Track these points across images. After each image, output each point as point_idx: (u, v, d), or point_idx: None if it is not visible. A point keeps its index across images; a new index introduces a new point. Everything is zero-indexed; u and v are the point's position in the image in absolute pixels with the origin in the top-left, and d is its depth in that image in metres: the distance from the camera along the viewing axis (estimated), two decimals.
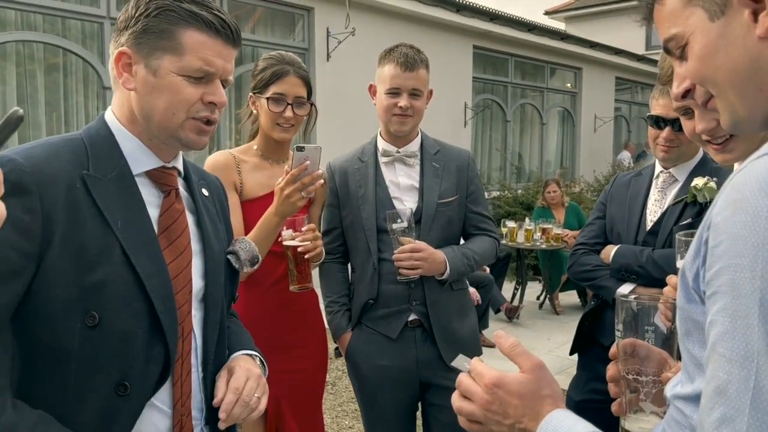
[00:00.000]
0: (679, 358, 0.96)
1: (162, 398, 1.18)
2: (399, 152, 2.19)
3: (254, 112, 2.08)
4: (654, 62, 14.42)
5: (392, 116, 2.11)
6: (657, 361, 0.96)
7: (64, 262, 1.04)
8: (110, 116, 1.21)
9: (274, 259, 1.97)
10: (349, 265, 2.30)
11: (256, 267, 1.44)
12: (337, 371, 4.75)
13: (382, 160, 2.20)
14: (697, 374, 0.77)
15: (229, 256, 1.37)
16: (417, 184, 2.17)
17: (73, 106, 6.21)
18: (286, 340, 2.06)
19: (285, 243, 1.89)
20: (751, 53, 0.78)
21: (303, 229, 1.88)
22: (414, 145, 2.20)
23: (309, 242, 1.88)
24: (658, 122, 2.06)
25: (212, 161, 2.04)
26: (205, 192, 1.35)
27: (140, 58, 1.15)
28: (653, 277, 2.01)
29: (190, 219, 1.27)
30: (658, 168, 2.18)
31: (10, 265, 0.99)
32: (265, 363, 1.40)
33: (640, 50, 15.88)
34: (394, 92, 2.09)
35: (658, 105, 2.06)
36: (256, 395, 1.25)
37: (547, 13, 19.30)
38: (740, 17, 0.78)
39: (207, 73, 1.16)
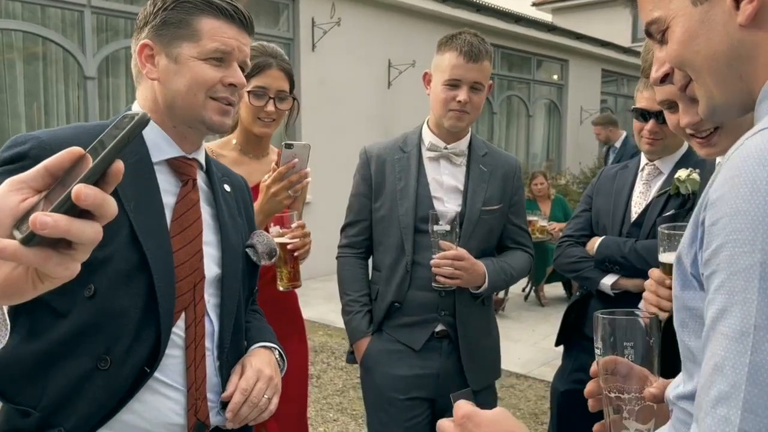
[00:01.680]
0: (659, 373, 0.96)
1: (176, 379, 1.22)
2: (447, 149, 2.01)
3: None
4: (639, 54, 14.42)
5: (448, 110, 1.93)
6: (638, 378, 0.95)
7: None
8: (135, 107, 1.28)
9: None
10: (369, 262, 2.15)
11: (274, 260, 1.46)
12: (322, 364, 4.74)
13: (426, 154, 2.03)
14: (695, 371, 0.76)
15: (247, 250, 1.41)
16: (461, 186, 2.01)
17: (54, 96, 6.11)
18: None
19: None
20: (731, 40, 0.78)
21: (292, 225, 1.81)
22: (463, 144, 2.03)
23: (298, 239, 1.80)
24: (643, 115, 2.06)
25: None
26: (227, 188, 1.39)
27: (161, 48, 1.23)
28: (636, 268, 2.02)
29: (207, 211, 1.32)
30: (643, 161, 2.18)
31: None
32: (284, 356, 1.44)
33: (627, 42, 15.92)
34: (453, 84, 1.91)
35: (643, 97, 2.06)
36: (266, 396, 1.29)
37: (534, 4, 19.27)
38: (722, 4, 0.78)
39: (224, 54, 1.23)
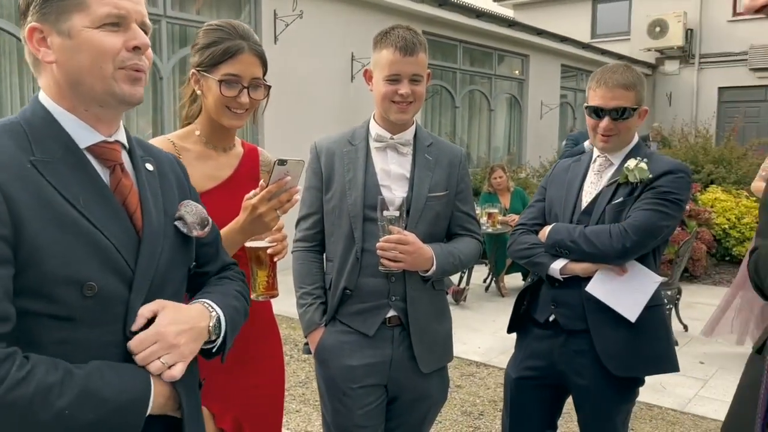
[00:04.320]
0: None
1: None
2: (393, 139, 2.06)
3: (198, 92, 1.79)
4: (598, 50, 14.83)
5: (391, 103, 1.98)
6: None
7: (48, 234, 1.05)
8: (43, 97, 1.18)
9: None
10: (324, 255, 2.15)
11: (207, 229, 1.34)
12: (285, 356, 4.75)
13: (374, 145, 2.07)
14: None
15: (176, 223, 1.30)
16: (408, 174, 2.05)
17: (8, 88, 5.96)
18: (244, 353, 1.79)
19: (249, 244, 1.68)
20: None
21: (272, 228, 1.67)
22: (409, 134, 2.09)
23: (278, 243, 1.69)
24: (597, 112, 2.13)
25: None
26: (149, 167, 1.29)
27: (50, 27, 1.13)
28: (584, 252, 2.09)
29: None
30: (596, 153, 2.26)
31: None
32: (222, 325, 1.28)
33: (586, 38, 16.24)
34: (393, 79, 1.96)
35: (596, 96, 2.14)
36: (162, 360, 1.15)
37: (496, 0, 19.48)
38: None
39: (119, 17, 1.14)
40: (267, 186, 1.54)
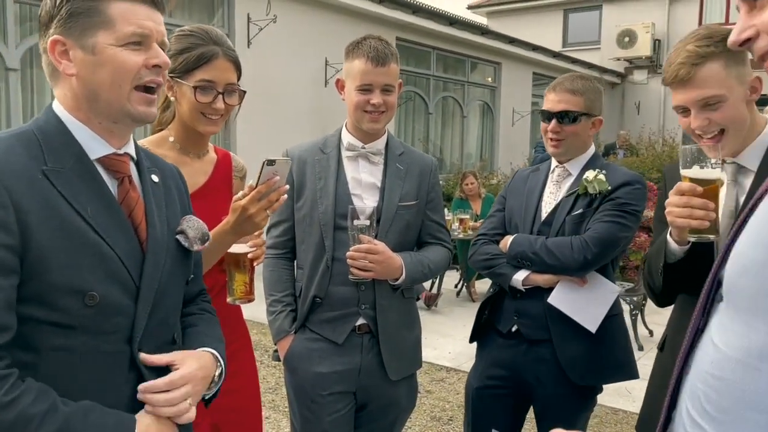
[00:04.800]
0: None
1: None
2: (365, 148, 2.08)
3: (171, 99, 1.79)
4: (569, 59, 15.06)
5: (364, 113, 2.01)
6: None
7: (55, 244, 1.07)
8: (58, 107, 1.21)
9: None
10: (294, 263, 2.16)
11: (207, 244, 1.37)
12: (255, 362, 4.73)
13: (345, 154, 2.09)
14: None
15: (177, 236, 1.33)
16: (379, 183, 2.07)
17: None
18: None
19: (230, 249, 1.69)
20: None
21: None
22: (380, 143, 2.10)
23: (258, 248, 1.70)
24: (547, 116, 2.19)
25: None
26: (154, 178, 1.33)
27: (74, 41, 1.16)
28: (546, 263, 2.12)
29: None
30: (554, 163, 2.30)
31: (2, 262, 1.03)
32: (222, 363, 1.35)
33: (557, 47, 16.48)
34: (365, 89, 1.98)
35: (548, 100, 2.20)
36: (188, 402, 1.22)
37: (470, 7, 19.66)
38: None
39: (142, 36, 1.18)
40: (256, 186, 1.56)
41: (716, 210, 1.52)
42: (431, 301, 6.48)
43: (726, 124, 1.60)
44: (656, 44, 16.39)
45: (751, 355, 0.86)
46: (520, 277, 2.17)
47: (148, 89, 1.21)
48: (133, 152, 1.29)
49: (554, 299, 2.14)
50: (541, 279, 2.16)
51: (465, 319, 6.18)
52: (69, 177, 1.14)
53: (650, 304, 6.22)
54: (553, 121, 2.16)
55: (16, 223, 1.04)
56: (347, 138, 2.10)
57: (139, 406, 1.18)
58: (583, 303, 2.13)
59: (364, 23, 9.06)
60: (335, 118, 8.27)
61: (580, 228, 2.14)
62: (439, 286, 6.74)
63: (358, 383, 2.06)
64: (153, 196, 1.30)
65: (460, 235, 6.53)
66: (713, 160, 1.52)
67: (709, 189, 1.51)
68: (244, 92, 1.84)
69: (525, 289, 2.18)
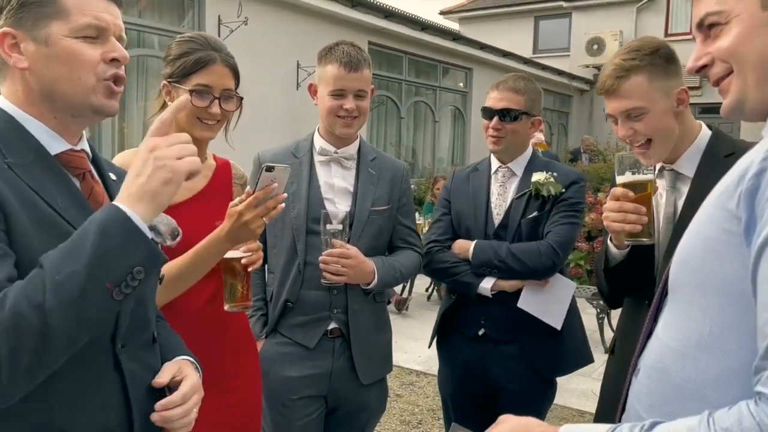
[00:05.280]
0: None
1: None
2: (337, 153, 2.09)
3: (169, 104, 1.74)
4: (539, 65, 15.25)
5: (336, 118, 2.02)
6: None
7: (36, 235, 1.03)
8: (4, 102, 1.14)
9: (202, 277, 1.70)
10: (266, 267, 2.15)
11: (177, 240, 1.35)
12: None
13: (318, 158, 2.09)
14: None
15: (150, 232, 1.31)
16: (351, 188, 2.08)
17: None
18: (220, 371, 1.75)
19: (225, 256, 1.67)
20: None
21: None
22: (352, 148, 2.12)
23: (252, 253, 1.67)
24: (488, 113, 2.24)
25: (121, 162, 1.65)
26: (112, 176, 1.29)
27: (25, 33, 1.10)
28: (514, 270, 2.16)
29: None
30: (496, 163, 2.34)
31: None
32: (200, 369, 1.35)
33: (528, 53, 16.69)
34: (338, 94, 2.00)
35: (491, 98, 2.26)
36: (195, 411, 1.23)
37: (442, 12, 19.81)
38: None
39: (99, 29, 1.13)
40: (254, 193, 1.54)
41: (650, 214, 1.60)
42: (402, 305, 6.50)
43: (650, 134, 1.67)
44: None
45: (690, 344, 0.91)
46: (487, 285, 2.21)
47: (115, 81, 1.17)
48: (88, 149, 1.24)
49: (523, 304, 2.19)
50: (507, 285, 2.20)
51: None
52: (33, 171, 1.08)
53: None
54: (495, 119, 2.21)
55: (1, 211, 0.99)
56: (320, 142, 2.11)
57: (126, 406, 1.15)
58: (547, 303, 2.21)
59: (336, 27, 9.06)
60: (307, 121, 8.23)
61: (537, 230, 2.20)
62: (409, 290, 6.76)
63: (330, 387, 2.06)
64: (115, 192, 1.25)
65: None
66: (645, 167, 1.61)
67: (642, 194, 1.60)
68: (242, 98, 1.82)
69: (492, 294, 2.22)
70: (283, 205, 1.60)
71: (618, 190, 1.61)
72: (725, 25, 0.94)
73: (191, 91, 1.70)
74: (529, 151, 2.32)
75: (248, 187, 1.57)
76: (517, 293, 2.20)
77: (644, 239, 1.61)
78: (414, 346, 5.44)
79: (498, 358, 2.24)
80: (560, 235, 2.16)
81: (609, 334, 5.59)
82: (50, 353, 0.94)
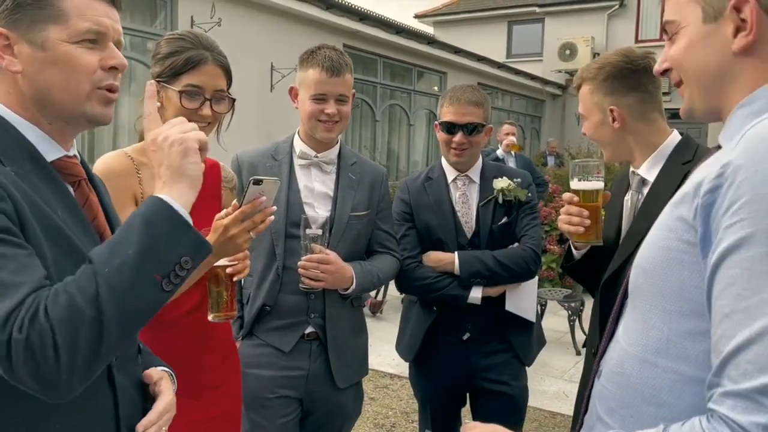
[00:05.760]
0: None
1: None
2: (317, 157, 2.07)
3: (157, 104, 1.75)
4: (513, 70, 15.40)
5: (318, 122, 2.00)
6: None
7: (46, 243, 1.01)
8: None
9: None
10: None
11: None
12: None
13: (298, 162, 2.07)
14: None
15: None
16: (331, 193, 2.07)
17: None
18: (202, 382, 1.72)
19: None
20: (723, 62, 0.91)
21: None
22: (333, 153, 2.10)
23: (238, 262, 1.60)
24: (450, 128, 2.25)
25: (104, 166, 1.61)
26: (98, 182, 1.27)
27: (19, 35, 1.05)
28: (504, 277, 2.24)
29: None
30: (452, 172, 2.35)
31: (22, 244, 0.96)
32: (175, 381, 1.33)
33: (501, 58, 16.84)
34: (320, 98, 1.98)
35: (449, 112, 2.26)
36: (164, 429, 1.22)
37: (417, 16, 19.88)
38: (726, 29, 0.90)
39: (99, 34, 1.08)
40: (240, 206, 1.46)
41: (595, 218, 1.74)
42: (376, 308, 6.50)
43: (591, 138, 1.85)
44: (595, 57, 16.83)
45: (649, 351, 0.93)
46: (477, 294, 2.25)
47: (110, 89, 1.13)
48: (78, 155, 1.20)
49: (510, 306, 2.30)
50: (494, 291, 2.27)
51: None
52: (32, 180, 1.04)
53: (587, 310, 6.39)
54: (459, 134, 2.23)
55: (14, 212, 0.96)
56: (300, 146, 2.09)
57: (116, 419, 1.14)
58: (522, 301, 2.33)
59: (311, 29, 9.04)
60: (281, 123, 8.21)
61: (507, 234, 2.29)
62: (384, 293, 6.76)
63: (306, 389, 2.05)
64: (107, 200, 1.25)
65: None
66: (595, 175, 1.75)
67: (588, 199, 1.75)
68: (234, 100, 1.74)
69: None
70: (273, 218, 1.52)
71: (566, 195, 1.76)
72: (676, 34, 0.98)
73: (181, 92, 1.62)
74: (480, 157, 2.37)
75: (234, 200, 1.52)
76: (499, 295, 2.30)
77: (592, 240, 1.76)
78: (388, 349, 5.43)
79: (482, 356, 2.31)
80: (535, 238, 2.27)
81: (580, 336, 5.66)
82: (106, 345, 0.95)
